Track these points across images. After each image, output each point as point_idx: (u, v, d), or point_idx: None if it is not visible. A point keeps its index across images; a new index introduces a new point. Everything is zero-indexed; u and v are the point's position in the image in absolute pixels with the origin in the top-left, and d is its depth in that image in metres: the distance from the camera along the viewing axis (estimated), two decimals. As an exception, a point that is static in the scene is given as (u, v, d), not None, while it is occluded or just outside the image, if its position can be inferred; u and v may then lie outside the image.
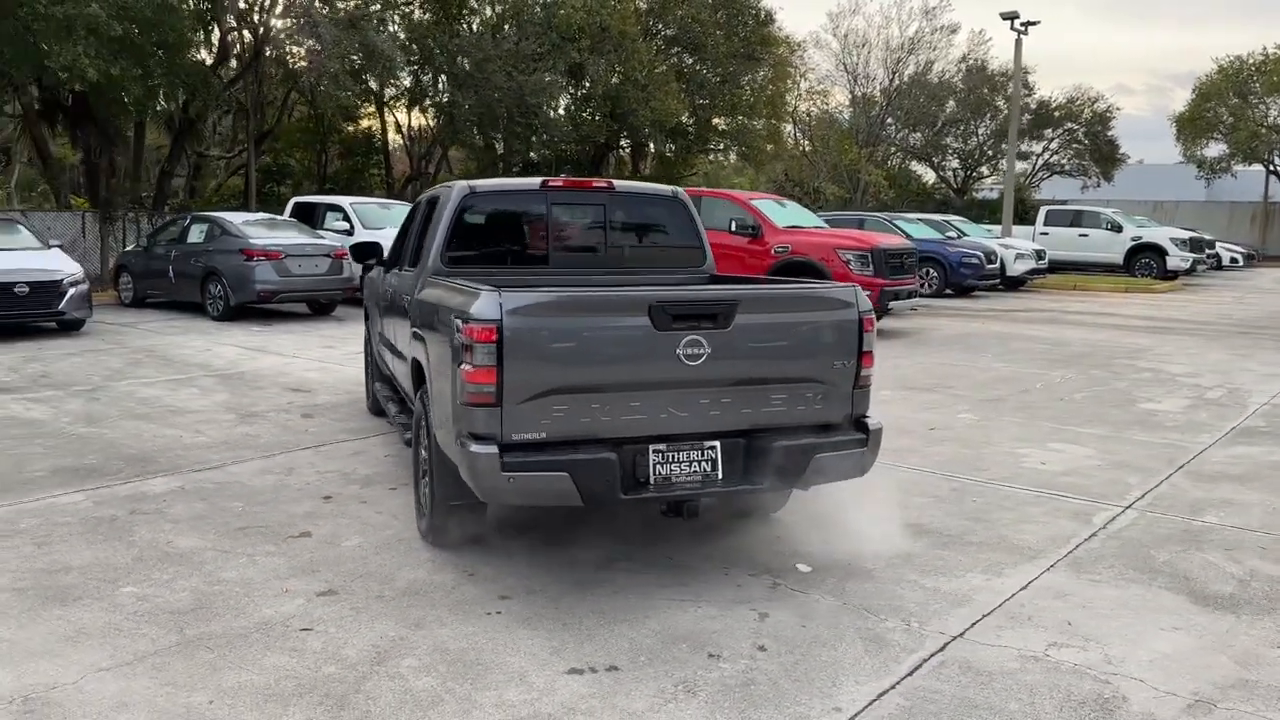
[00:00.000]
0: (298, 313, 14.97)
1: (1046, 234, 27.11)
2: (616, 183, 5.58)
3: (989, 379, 10.01)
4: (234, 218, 14.64)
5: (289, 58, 23.12)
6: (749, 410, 4.10)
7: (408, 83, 27.60)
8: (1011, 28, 26.00)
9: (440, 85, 27.89)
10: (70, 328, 12.33)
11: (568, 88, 29.33)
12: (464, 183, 5.32)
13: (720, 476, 4.09)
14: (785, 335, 4.13)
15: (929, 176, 49.30)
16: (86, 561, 4.45)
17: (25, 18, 17.37)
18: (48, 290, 11.69)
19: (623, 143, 36.04)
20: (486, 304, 3.74)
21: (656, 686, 3.37)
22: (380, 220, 16.10)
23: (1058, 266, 25.38)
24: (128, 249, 17.54)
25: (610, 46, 27.78)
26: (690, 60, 32.94)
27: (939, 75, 45.35)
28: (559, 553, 4.66)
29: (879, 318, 14.04)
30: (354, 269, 14.45)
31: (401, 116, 30.52)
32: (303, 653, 3.58)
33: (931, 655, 3.67)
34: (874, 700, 3.31)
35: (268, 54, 23.24)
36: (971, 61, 45.25)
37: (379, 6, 25.13)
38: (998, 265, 20.81)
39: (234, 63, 25.39)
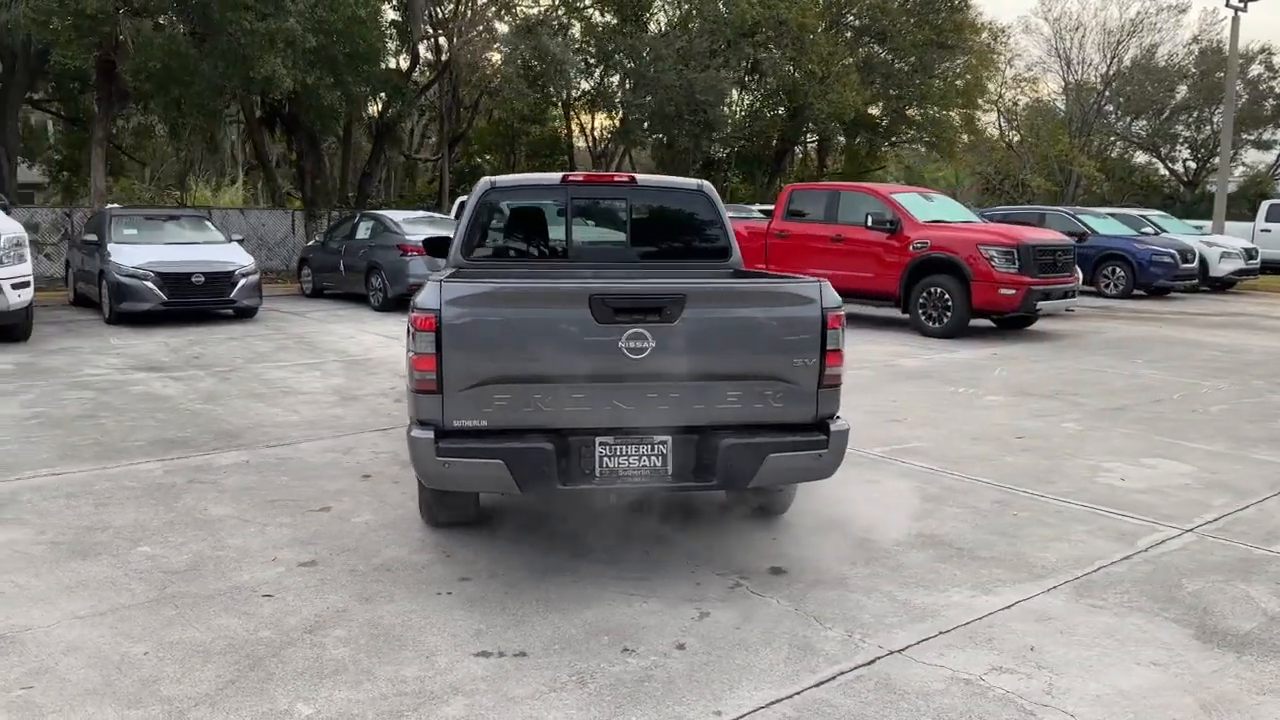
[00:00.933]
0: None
1: (1268, 231, 24.49)
2: (639, 176, 5.59)
3: (1124, 387, 9.22)
4: (396, 215, 15.60)
5: (474, 64, 24.29)
6: (701, 406, 4.03)
7: (586, 85, 28.36)
8: (1228, 4, 23.64)
9: (619, 86, 28.48)
10: (243, 315, 13.56)
11: (746, 83, 29.22)
12: (487, 178, 5.49)
13: (670, 472, 4.05)
14: (739, 331, 4.03)
15: (1156, 168, 45.54)
16: (125, 522, 4.95)
17: (235, 34, 19.18)
18: (221, 280, 12.93)
19: (808, 138, 35.51)
20: (429, 294, 3.88)
21: (552, 676, 3.40)
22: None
23: (1273, 267, 22.88)
24: (309, 244, 19.02)
25: (788, 40, 27.44)
26: (880, 50, 31.99)
27: (1165, 58, 41.88)
28: (540, 540, 4.74)
29: (1029, 319, 13.27)
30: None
31: (586, 118, 31.39)
32: (251, 616, 3.85)
33: (854, 669, 3.50)
34: (761, 708, 3.21)
35: (458, 61, 24.53)
36: (1205, 43, 41.40)
37: (562, 11, 26.00)
38: (1195, 264, 19.01)
39: (428, 70, 27.03)
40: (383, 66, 24.59)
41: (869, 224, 13.27)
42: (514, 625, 3.81)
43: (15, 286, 10.53)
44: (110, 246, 13.10)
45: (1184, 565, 4.56)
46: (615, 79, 29.17)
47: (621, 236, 5.57)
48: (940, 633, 3.80)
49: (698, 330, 3.96)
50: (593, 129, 31.52)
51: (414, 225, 15.01)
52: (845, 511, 5.23)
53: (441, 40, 25.45)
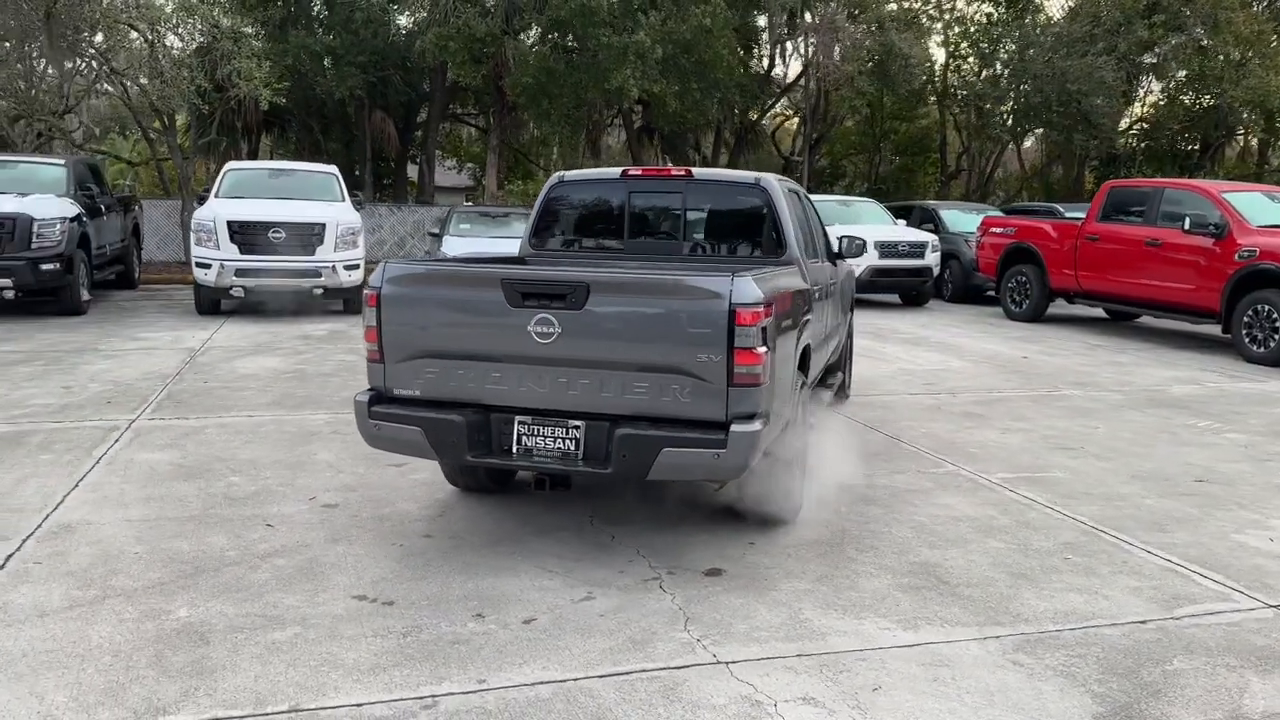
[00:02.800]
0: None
1: None
2: (696, 171, 5.60)
3: None
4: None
5: (827, 65, 24.29)
6: (610, 395, 4.08)
7: (955, 80, 27.03)
8: None
9: (997, 79, 26.79)
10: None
11: (1139, 71, 26.05)
12: (559, 173, 5.83)
13: (581, 457, 4.15)
14: (643, 322, 4.01)
15: None
16: (246, 457, 5.98)
17: (594, 49, 21.04)
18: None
19: (1237, 130, 30.78)
20: (377, 273, 4.34)
21: (386, 625, 3.72)
22: (835, 217, 16.45)
23: None
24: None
25: (1195, 18, 24.08)
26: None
27: None
28: (531, 514, 5.01)
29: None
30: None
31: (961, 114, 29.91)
32: (237, 539, 4.59)
33: (658, 669, 3.41)
34: (526, 685, 3.28)
35: (818, 62, 24.68)
36: None
37: (920, 3, 25.10)
38: None
39: (789, 73, 27.48)
40: (743, 71, 25.50)
41: (1187, 228, 11.53)
42: (413, 579, 4.16)
43: (347, 268, 12.66)
44: (445, 238, 15.13)
45: (1205, 641, 3.73)
46: (997, 71, 27.52)
47: (676, 229, 5.63)
48: (797, 655, 3.54)
49: (603, 319, 4.03)
50: (967, 124, 29.93)
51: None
52: (867, 529, 4.90)
53: (800, 43, 25.70)
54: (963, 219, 17.79)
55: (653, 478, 4.07)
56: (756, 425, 4.00)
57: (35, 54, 18.52)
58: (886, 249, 15.50)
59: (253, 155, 28.13)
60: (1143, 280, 12.30)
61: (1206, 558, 4.64)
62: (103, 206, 13.93)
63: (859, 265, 15.06)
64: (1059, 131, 24.43)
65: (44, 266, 11.66)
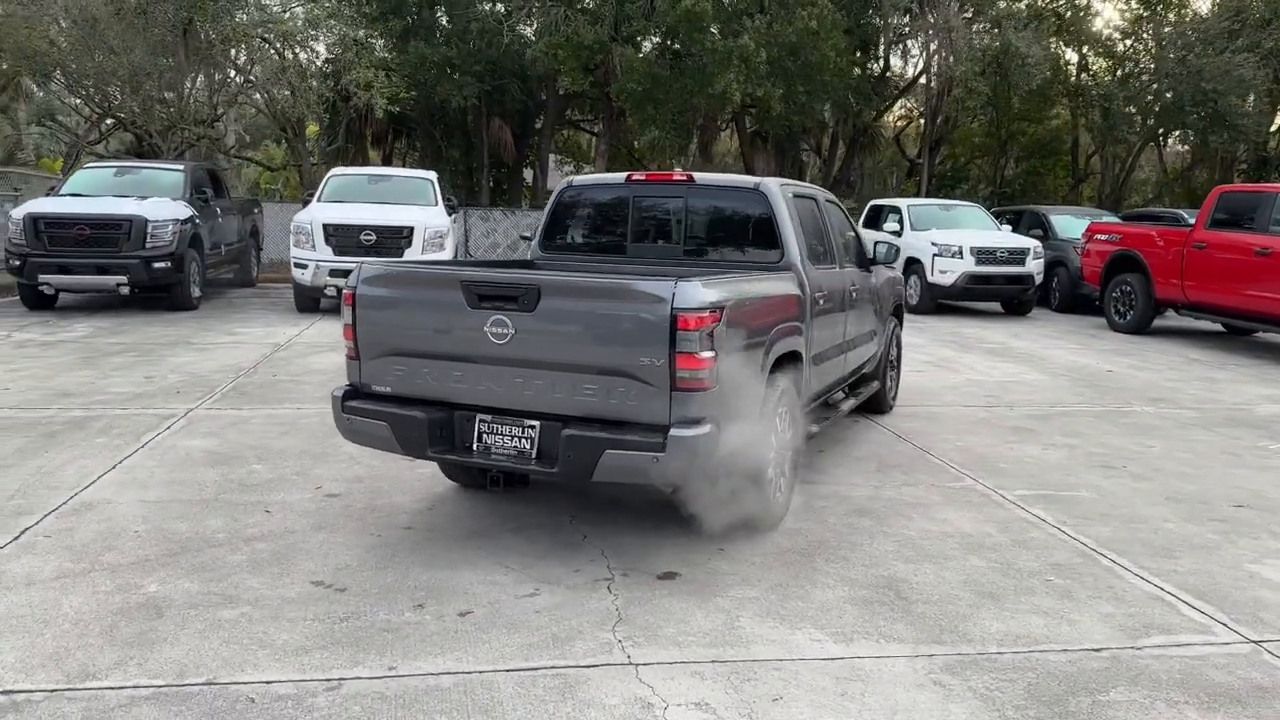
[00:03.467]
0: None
1: None
2: (698, 175, 5.60)
3: None
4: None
5: (944, 67, 23.61)
6: (561, 395, 4.15)
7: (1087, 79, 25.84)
8: None
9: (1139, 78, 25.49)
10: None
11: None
12: (568, 177, 5.93)
13: (535, 456, 4.23)
14: (590, 325, 4.06)
15: None
16: (281, 445, 6.32)
17: (698, 55, 21.10)
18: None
19: None
20: (354, 274, 4.54)
21: (330, 610, 3.89)
22: (933, 221, 16.05)
23: None
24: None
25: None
26: None
27: None
28: (509, 510, 5.12)
29: None
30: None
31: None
32: (234, 522, 4.87)
33: (567, 666, 3.46)
34: (434, 674, 3.38)
35: (937, 63, 24.03)
36: None
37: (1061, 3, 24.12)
38: None
39: (909, 73, 26.81)
40: (860, 73, 25.05)
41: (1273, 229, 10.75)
42: (374, 568, 4.33)
43: (433, 269, 13.11)
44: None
45: (1157, 673, 3.52)
46: (1129, 70, 26.18)
47: (676, 233, 5.64)
48: (711, 661, 3.53)
49: (554, 321, 4.10)
50: (1094, 124, 28.51)
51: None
52: (848, 540, 4.82)
53: (916, 44, 25.08)
54: (1074, 225, 16.99)
55: (598, 479, 4.11)
56: (699, 430, 3.99)
57: (175, 68, 19.84)
58: (983, 255, 14.98)
59: (386, 161, 29.44)
60: (1251, 291, 11.51)
61: (1205, 587, 4.36)
62: (218, 209, 14.85)
63: (952, 272, 14.66)
64: (1195, 133, 23.00)
65: (156, 264, 12.54)
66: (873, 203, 18.35)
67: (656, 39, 22.52)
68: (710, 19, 20.66)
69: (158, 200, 13.17)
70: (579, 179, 5.95)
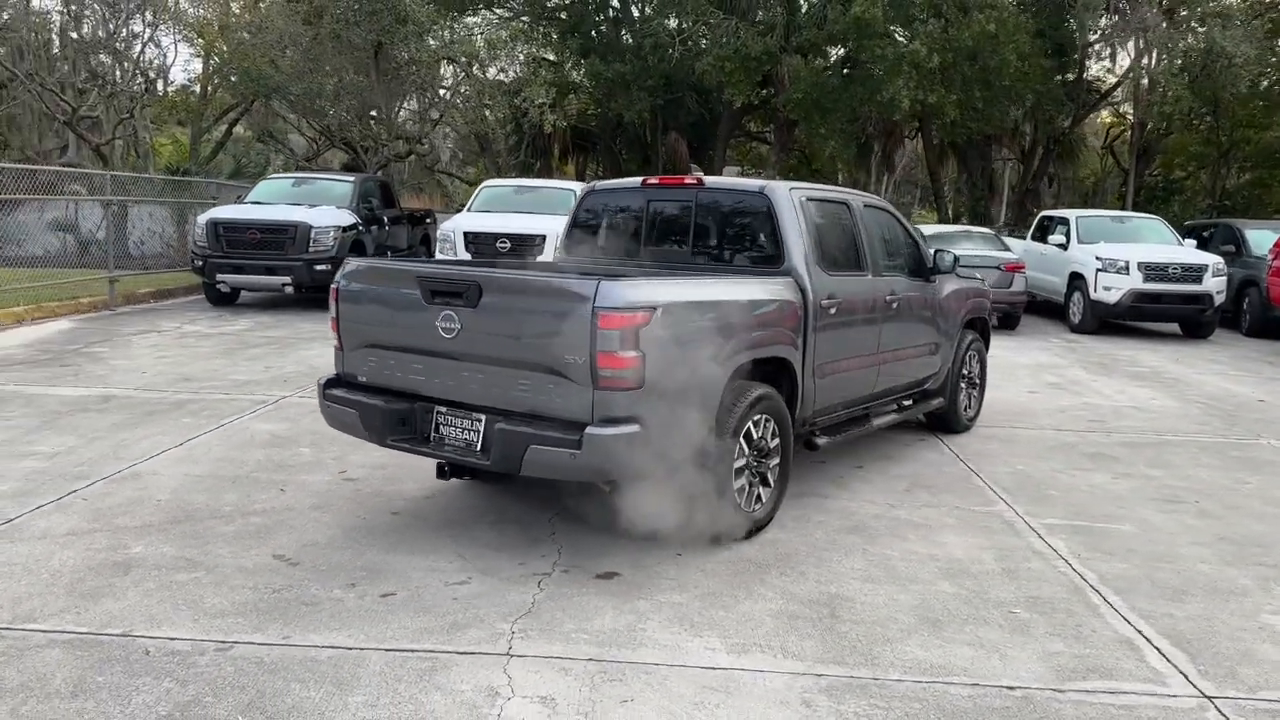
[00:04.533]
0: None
1: None
2: (708, 179, 5.54)
3: None
4: (928, 229, 15.43)
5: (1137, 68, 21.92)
6: (499, 389, 4.25)
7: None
8: None
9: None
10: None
11: None
12: (592, 182, 6.01)
13: (480, 448, 4.36)
14: (522, 321, 4.14)
15: None
16: (326, 431, 6.77)
17: (868, 62, 20.63)
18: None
19: None
20: (340, 270, 4.83)
21: (271, 581, 4.16)
22: (1103, 234, 14.95)
23: None
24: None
25: None
26: None
27: None
28: (500, 504, 5.26)
29: None
30: (1024, 282, 14.02)
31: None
32: (247, 497, 5.27)
33: (428, 650, 3.56)
34: (327, 647, 3.57)
35: (1143, 68, 22.37)
36: None
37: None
38: None
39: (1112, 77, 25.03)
40: (1058, 79, 23.64)
41: None
42: (336, 547, 4.58)
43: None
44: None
45: (1065, 718, 3.21)
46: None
47: (686, 236, 5.61)
48: (588, 659, 3.53)
49: (493, 317, 4.22)
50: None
51: (936, 241, 14.73)
52: (819, 555, 4.66)
53: (1115, 46, 23.36)
54: (1272, 241, 15.33)
55: (525, 473, 4.18)
56: (617, 430, 3.98)
57: (369, 88, 21.42)
58: (1152, 271, 13.79)
59: (579, 175, 30.57)
60: None
61: (1195, 634, 3.90)
62: (385, 218, 15.91)
63: (1117, 289, 13.64)
64: None
65: (318, 267, 13.59)
66: (1042, 214, 17.29)
67: (827, 47, 22.16)
68: (880, 25, 20.13)
69: (324, 208, 14.28)
70: (600, 184, 6.04)
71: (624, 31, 25.95)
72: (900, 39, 20.96)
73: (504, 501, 5.31)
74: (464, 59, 23.05)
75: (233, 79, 25.72)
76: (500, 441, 4.15)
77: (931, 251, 6.61)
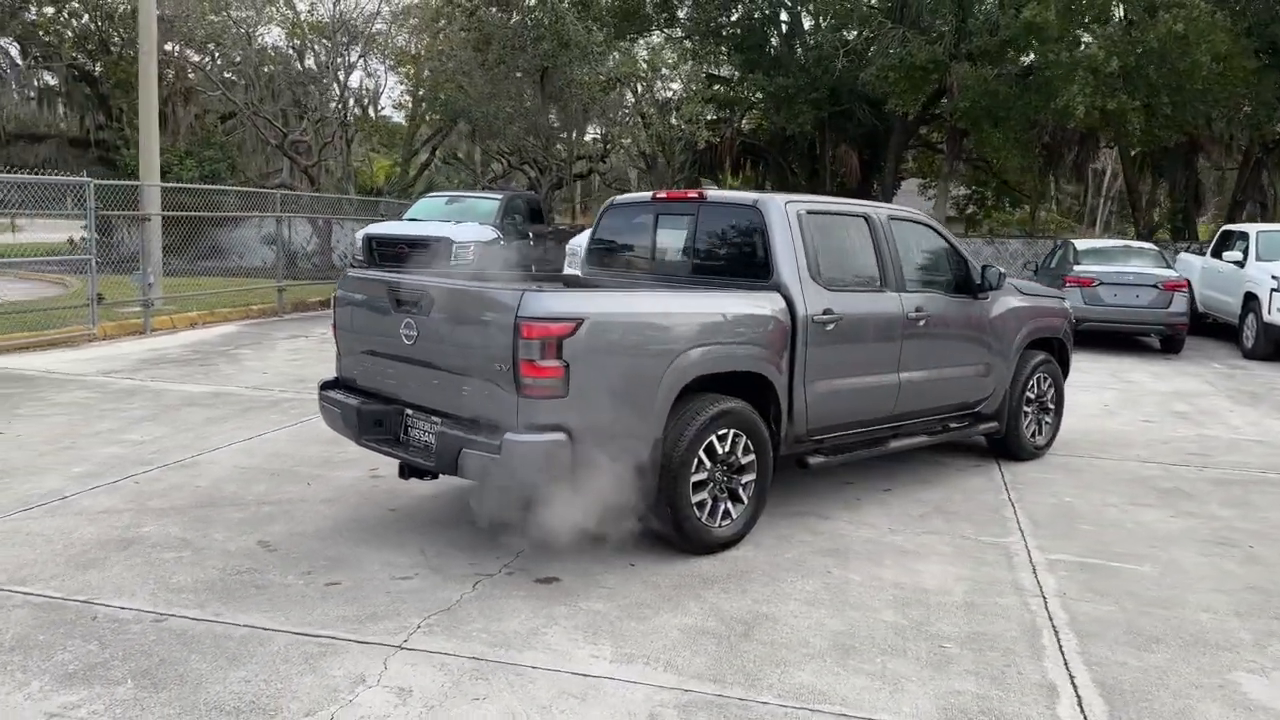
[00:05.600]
0: (1122, 345, 13.91)
1: None
2: (709, 192, 5.52)
3: None
4: (1084, 244, 14.43)
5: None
6: (450, 395, 4.44)
7: None
8: None
9: None
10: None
11: None
12: (612, 197, 6.12)
13: (435, 451, 4.57)
14: (460, 330, 4.31)
15: None
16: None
17: (1039, 67, 19.57)
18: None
19: None
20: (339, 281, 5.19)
21: (238, 564, 4.53)
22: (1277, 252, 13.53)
23: None
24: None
25: None
26: None
27: None
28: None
29: None
30: (1186, 302, 12.93)
31: None
32: (275, 489, 5.71)
33: (329, 637, 3.78)
34: (261, 629, 3.89)
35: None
36: None
37: None
38: None
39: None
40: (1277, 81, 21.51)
41: None
42: (318, 538, 4.90)
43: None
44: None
45: (906, 757, 3.05)
46: None
47: (688, 250, 5.62)
48: (470, 657, 3.64)
49: (441, 325, 4.43)
50: None
51: (1092, 255, 13.76)
52: (776, 575, 4.59)
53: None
54: None
55: (461, 476, 4.35)
56: (536, 437, 4.08)
57: (536, 111, 22.39)
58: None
59: (758, 187, 30.64)
60: None
61: (1135, 688, 3.57)
62: (530, 233, 16.60)
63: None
64: None
65: (457, 279, 14.37)
66: (1224, 228, 15.80)
67: (999, 54, 21.16)
68: (1054, 28, 19.04)
69: (468, 224, 15.09)
70: (619, 198, 6.14)
71: (796, 45, 25.78)
72: (1086, 40, 19.78)
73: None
74: (631, 81, 23.67)
75: (423, 104, 27.57)
76: (439, 444, 4.34)
77: (980, 267, 6.28)
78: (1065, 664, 3.74)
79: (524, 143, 24.47)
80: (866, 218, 5.72)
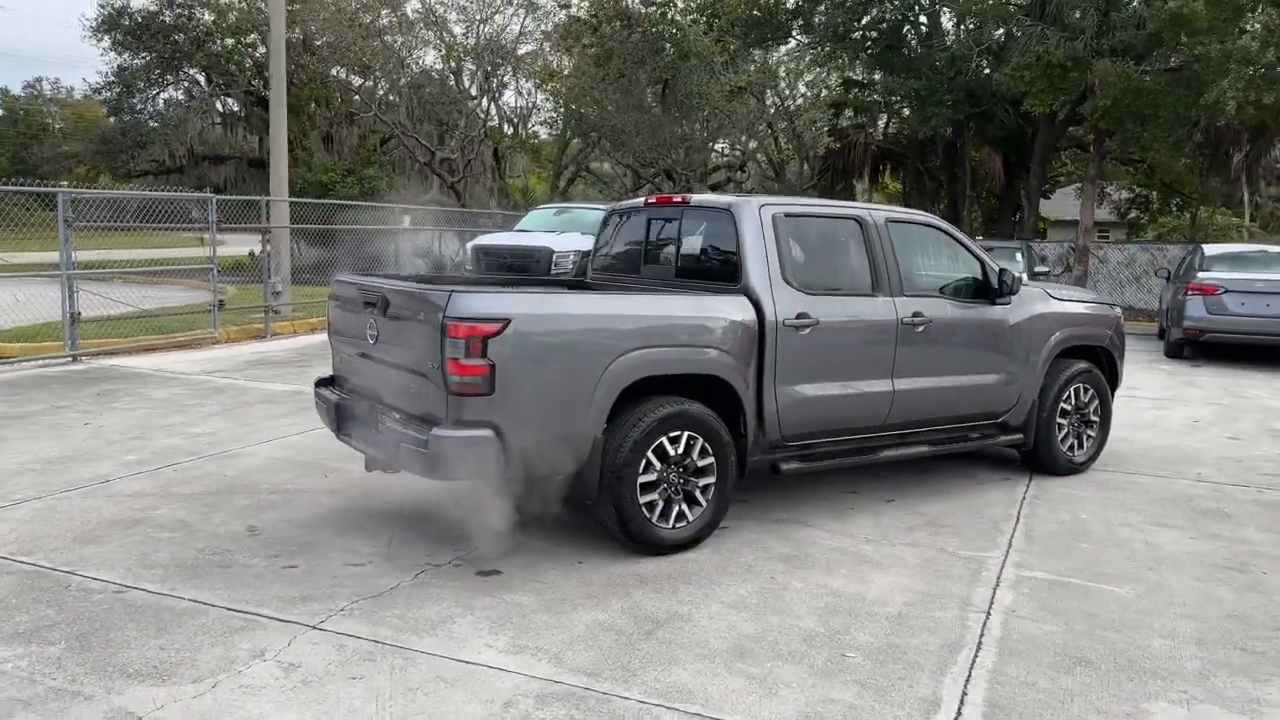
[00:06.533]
0: (1253, 358, 12.77)
1: None
2: (692, 197, 5.53)
3: None
4: (1216, 249, 13.38)
5: None
6: (402, 391, 4.66)
7: None
8: None
9: None
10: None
11: None
12: (615, 203, 6.22)
13: (384, 445, 4.80)
14: (405, 329, 4.52)
15: None
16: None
17: (1188, 60, 18.30)
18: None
19: None
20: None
21: (217, 544, 4.88)
22: None
23: None
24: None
25: None
26: None
27: None
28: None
29: None
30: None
31: None
32: (294, 479, 6.12)
33: (260, 616, 4.06)
34: (173, 597, 4.24)
35: None
36: None
37: None
38: None
39: None
40: None
41: None
42: (303, 526, 5.20)
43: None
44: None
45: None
46: None
47: (673, 253, 5.66)
48: (371, 640, 3.83)
49: (393, 325, 4.67)
50: None
51: (1224, 262, 12.76)
52: (715, 579, 4.59)
53: None
54: None
55: (401, 469, 4.56)
56: (459, 432, 4.24)
57: (662, 123, 22.70)
58: None
59: (904, 195, 29.95)
60: None
61: (1029, 710, 3.39)
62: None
63: None
64: None
65: (558, 287, 14.79)
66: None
67: (1144, 48, 19.91)
68: (1203, 19, 17.77)
69: (570, 234, 15.46)
70: (621, 205, 6.22)
71: (930, 46, 25.04)
72: (1248, 29, 18.37)
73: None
74: (758, 89, 23.61)
75: (559, 121, 28.40)
76: (385, 438, 4.57)
77: (998, 271, 6.02)
78: (966, 681, 3.58)
79: (652, 154, 24.81)
80: (859, 220, 5.60)
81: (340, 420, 5.12)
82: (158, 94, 36.85)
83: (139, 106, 35.64)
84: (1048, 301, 6.34)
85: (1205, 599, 4.43)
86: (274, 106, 15.38)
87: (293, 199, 15.74)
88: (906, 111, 24.37)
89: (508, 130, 34.37)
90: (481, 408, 4.26)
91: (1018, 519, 5.60)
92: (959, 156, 26.29)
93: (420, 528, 5.22)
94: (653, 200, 5.87)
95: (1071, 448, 6.57)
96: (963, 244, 6.05)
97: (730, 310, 4.96)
